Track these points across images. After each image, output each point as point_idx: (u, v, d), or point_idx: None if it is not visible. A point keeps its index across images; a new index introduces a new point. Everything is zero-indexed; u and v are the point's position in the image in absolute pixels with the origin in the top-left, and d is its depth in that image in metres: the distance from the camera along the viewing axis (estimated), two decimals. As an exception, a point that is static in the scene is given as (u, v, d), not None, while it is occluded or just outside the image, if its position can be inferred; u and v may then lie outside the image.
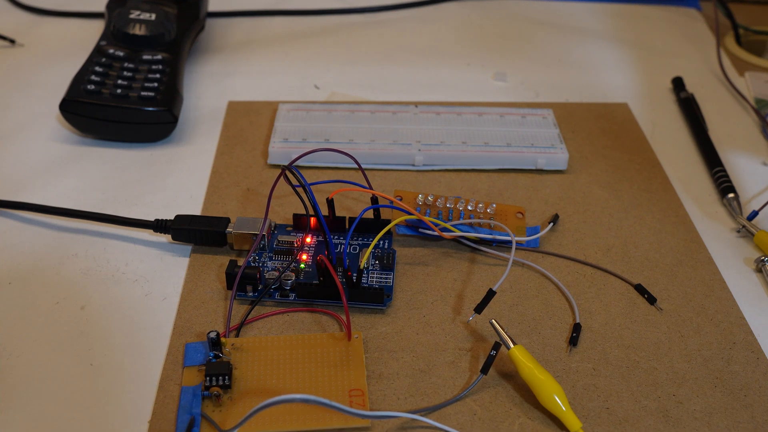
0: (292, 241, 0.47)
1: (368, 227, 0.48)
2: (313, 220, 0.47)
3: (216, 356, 0.40)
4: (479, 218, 0.49)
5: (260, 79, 0.66)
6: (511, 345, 0.39)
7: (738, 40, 0.74)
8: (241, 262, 0.45)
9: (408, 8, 0.79)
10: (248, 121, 0.60)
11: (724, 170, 0.55)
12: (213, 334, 0.40)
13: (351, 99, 0.64)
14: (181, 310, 0.44)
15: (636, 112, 0.63)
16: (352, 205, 0.52)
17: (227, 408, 0.38)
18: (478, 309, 0.42)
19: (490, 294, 0.43)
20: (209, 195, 0.53)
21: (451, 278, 0.47)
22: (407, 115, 0.59)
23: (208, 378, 0.39)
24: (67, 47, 0.69)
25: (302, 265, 0.46)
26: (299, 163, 0.53)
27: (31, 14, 0.75)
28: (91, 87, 0.56)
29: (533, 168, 0.55)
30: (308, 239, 0.48)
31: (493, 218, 0.49)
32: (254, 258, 0.46)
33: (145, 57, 0.60)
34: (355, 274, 0.44)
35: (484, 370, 0.39)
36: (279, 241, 0.47)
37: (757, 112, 0.63)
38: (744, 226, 0.51)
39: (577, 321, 0.44)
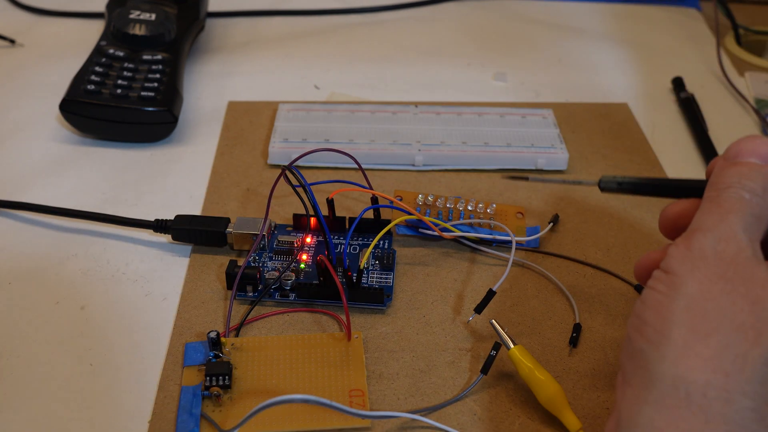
0: (292, 241, 0.47)
1: (368, 227, 0.48)
2: (313, 220, 0.47)
3: (216, 356, 0.40)
4: (479, 218, 0.49)
5: (260, 79, 0.66)
6: (511, 345, 0.39)
7: (738, 40, 0.74)
8: (241, 262, 0.45)
9: (408, 8, 0.79)
10: (248, 121, 0.60)
11: (724, 170, 0.55)
12: (213, 334, 0.40)
13: (351, 99, 0.64)
14: (181, 310, 0.44)
15: (636, 112, 0.63)
16: (352, 205, 0.52)
17: (227, 408, 0.38)
18: (478, 309, 0.43)
19: (490, 294, 0.43)
20: (209, 195, 0.53)
21: (451, 278, 0.47)
22: (407, 115, 0.59)
23: (208, 378, 0.39)
24: (67, 47, 0.69)
25: (302, 265, 0.46)
26: (299, 163, 0.53)
27: (31, 14, 0.75)
28: (91, 87, 0.56)
29: (533, 168, 0.55)
30: (308, 239, 0.48)
31: (493, 218, 0.49)
32: (254, 258, 0.46)
33: (145, 57, 0.60)
34: (355, 274, 0.44)
35: (485, 371, 0.39)
36: (279, 241, 0.47)
37: (757, 112, 0.63)
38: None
39: (577, 321, 0.44)
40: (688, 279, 0.30)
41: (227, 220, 0.48)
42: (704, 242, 0.31)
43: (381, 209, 0.48)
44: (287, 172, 0.45)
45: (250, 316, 0.43)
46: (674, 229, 0.35)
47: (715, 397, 0.29)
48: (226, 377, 0.39)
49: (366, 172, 0.49)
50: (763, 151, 0.33)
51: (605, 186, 0.40)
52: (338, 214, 0.49)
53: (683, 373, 0.29)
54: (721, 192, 0.32)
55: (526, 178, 0.47)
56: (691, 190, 0.36)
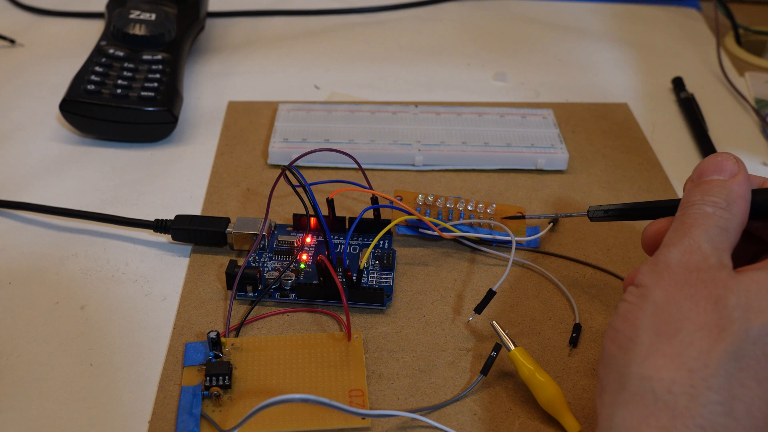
0: (292, 241, 0.47)
1: (368, 227, 0.48)
2: (313, 220, 0.48)
3: (216, 356, 0.40)
4: (479, 218, 0.49)
5: (260, 79, 0.66)
6: (512, 347, 0.39)
7: (738, 40, 0.74)
8: (241, 262, 0.45)
9: (408, 8, 0.79)
10: (248, 121, 0.60)
11: (724, 170, 0.55)
12: (213, 334, 0.40)
13: (351, 99, 0.64)
14: (181, 310, 0.44)
15: (636, 112, 0.63)
16: (352, 205, 0.52)
17: (227, 408, 0.38)
18: (478, 309, 0.42)
19: (490, 294, 0.43)
20: (209, 195, 0.53)
21: (451, 278, 0.47)
22: (407, 115, 0.59)
23: (208, 378, 0.39)
24: (67, 47, 0.69)
25: (302, 265, 0.46)
26: (299, 163, 0.53)
27: (31, 14, 0.75)
28: (91, 87, 0.57)
29: (533, 168, 0.55)
30: (308, 239, 0.48)
31: (493, 218, 0.49)
32: (254, 258, 0.46)
33: (145, 57, 0.60)
34: (355, 274, 0.44)
35: (485, 371, 0.39)
36: (279, 241, 0.47)
37: (757, 112, 0.63)
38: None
39: (577, 321, 0.44)
40: (654, 288, 0.32)
41: (227, 220, 0.48)
42: (669, 255, 0.33)
43: (381, 209, 0.48)
44: (287, 172, 0.45)
45: (250, 316, 0.43)
46: (654, 247, 0.37)
47: (681, 393, 0.30)
48: (226, 377, 0.39)
49: (366, 172, 0.49)
50: (727, 167, 0.35)
51: (593, 216, 0.43)
52: (338, 214, 0.49)
53: (649, 372, 0.31)
54: (686, 210, 0.35)
55: (523, 216, 0.49)
56: (670, 209, 0.38)
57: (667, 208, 0.39)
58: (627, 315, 0.33)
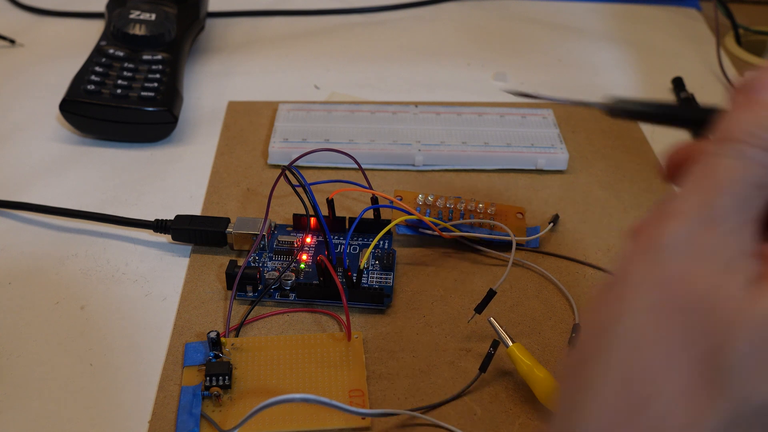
0: (292, 241, 0.47)
1: (368, 227, 0.48)
2: (313, 220, 0.47)
3: (216, 356, 0.40)
4: (479, 218, 0.49)
5: (260, 79, 0.66)
6: (510, 343, 0.39)
7: (738, 40, 0.74)
8: (241, 262, 0.45)
9: (408, 8, 0.79)
10: (248, 121, 0.60)
11: (724, 170, 0.55)
12: (213, 334, 0.40)
13: (351, 99, 0.64)
14: (181, 310, 0.44)
15: (636, 112, 0.63)
16: (352, 205, 0.52)
17: (227, 408, 0.38)
18: (478, 309, 0.42)
19: (491, 294, 0.43)
20: (209, 195, 0.53)
21: (451, 278, 0.47)
22: (407, 115, 0.59)
23: (208, 378, 0.39)
24: (67, 47, 0.69)
25: (302, 265, 0.46)
26: (299, 163, 0.53)
27: (31, 14, 0.75)
28: (91, 87, 0.57)
29: (533, 168, 0.55)
30: (308, 239, 0.48)
31: (493, 218, 0.49)
32: (254, 258, 0.46)
33: (145, 57, 0.60)
34: (355, 274, 0.44)
35: (483, 369, 0.39)
36: (279, 241, 0.47)
37: (757, 112, 0.63)
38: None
39: (577, 321, 0.44)
40: (621, 317, 0.23)
41: (227, 220, 0.48)
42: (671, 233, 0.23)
43: (381, 209, 0.48)
44: (287, 172, 0.45)
45: (250, 316, 0.43)
46: (675, 173, 0.27)
47: None
48: (226, 377, 0.39)
49: (366, 172, 0.49)
50: None
51: (616, 111, 0.32)
52: (338, 214, 0.49)
53: None
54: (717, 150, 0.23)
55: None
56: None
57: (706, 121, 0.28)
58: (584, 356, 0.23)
